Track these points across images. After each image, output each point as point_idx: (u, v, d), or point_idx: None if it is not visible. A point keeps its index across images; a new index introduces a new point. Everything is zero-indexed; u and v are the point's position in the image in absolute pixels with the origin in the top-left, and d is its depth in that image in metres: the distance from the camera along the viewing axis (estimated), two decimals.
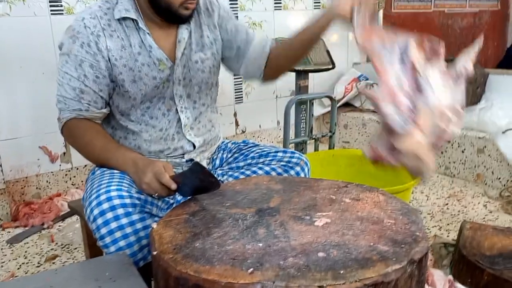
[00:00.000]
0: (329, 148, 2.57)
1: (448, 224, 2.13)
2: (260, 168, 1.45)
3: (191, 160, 1.43)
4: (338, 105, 3.43)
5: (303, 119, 2.52)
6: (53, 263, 1.94)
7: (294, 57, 1.47)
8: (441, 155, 2.83)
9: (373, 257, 0.80)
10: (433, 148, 1.03)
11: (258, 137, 3.38)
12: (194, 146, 1.43)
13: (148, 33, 1.30)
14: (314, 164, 1.82)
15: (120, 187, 1.14)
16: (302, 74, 2.44)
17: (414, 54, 1.06)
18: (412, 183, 1.94)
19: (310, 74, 2.59)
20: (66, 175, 2.61)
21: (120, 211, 1.11)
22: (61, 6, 2.43)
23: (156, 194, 1.16)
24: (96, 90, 1.28)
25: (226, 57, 1.49)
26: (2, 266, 1.93)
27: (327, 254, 0.82)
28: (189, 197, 1.15)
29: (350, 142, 3.42)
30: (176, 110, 1.38)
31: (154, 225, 0.98)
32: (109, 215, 1.11)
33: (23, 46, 2.35)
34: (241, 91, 3.20)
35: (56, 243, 2.11)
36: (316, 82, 3.40)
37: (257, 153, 1.50)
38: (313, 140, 2.57)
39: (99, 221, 1.11)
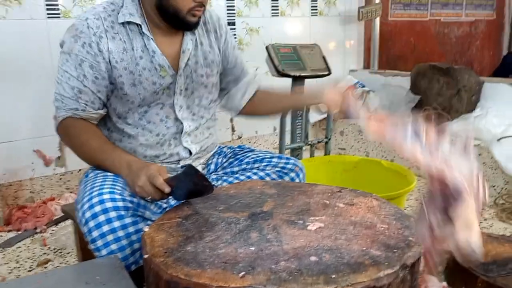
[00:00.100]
0: (325, 154, 2.57)
1: None
2: (255, 174, 1.45)
3: (186, 166, 1.42)
4: (334, 111, 3.43)
5: (299, 125, 2.51)
6: (45, 267, 1.92)
7: (270, 112, 1.62)
8: None
9: (365, 261, 0.80)
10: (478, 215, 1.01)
11: (254, 143, 3.38)
12: (190, 153, 1.43)
13: (152, 39, 1.30)
14: (310, 170, 1.82)
15: (113, 190, 1.14)
16: (298, 80, 2.44)
17: (430, 132, 1.07)
18: (406, 190, 1.94)
19: (306, 80, 2.59)
20: (60, 179, 2.59)
21: (113, 214, 1.10)
22: (58, 9, 2.43)
23: (150, 198, 1.15)
24: (94, 91, 1.27)
25: None
26: None
27: (320, 258, 0.81)
28: (182, 201, 1.15)
29: (346, 148, 3.42)
30: (175, 118, 1.38)
31: (146, 229, 0.97)
32: (101, 218, 1.10)
33: (20, 50, 2.35)
34: None
35: (49, 248, 2.09)
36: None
37: (252, 158, 1.50)
38: (309, 146, 2.57)
39: (91, 224, 1.10)
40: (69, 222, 2.23)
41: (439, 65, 3.07)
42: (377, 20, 3.73)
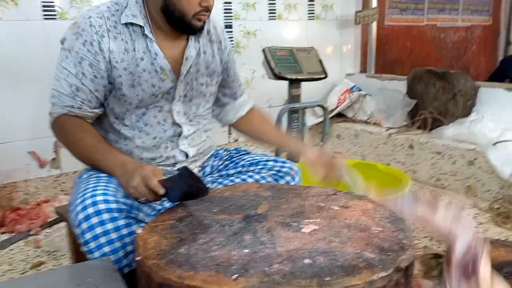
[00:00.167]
0: None
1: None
2: (250, 176, 1.44)
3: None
4: (331, 115, 3.43)
5: (295, 128, 2.51)
6: (39, 270, 1.91)
7: (254, 137, 1.68)
8: (431, 166, 2.84)
9: (359, 264, 0.79)
10: None
11: (251, 146, 3.37)
12: (187, 156, 1.42)
13: (154, 41, 1.30)
14: (306, 173, 1.82)
15: (106, 191, 1.13)
16: (294, 83, 2.45)
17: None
18: (401, 193, 1.94)
19: (303, 84, 2.59)
20: (55, 181, 2.58)
21: (106, 216, 1.09)
22: (55, 11, 2.43)
23: (143, 199, 1.14)
24: (92, 90, 1.26)
25: None
26: None
27: (313, 261, 0.81)
28: (176, 203, 1.14)
29: (342, 152, 3.42)
30: (173, 122, 1.38)
31: (139, 230, 0.96)
32: (94, 220, 1.09)
33: (15, 51, 2.34)
34: None
35: (43, 250, 2.07)
36: (309, 92, 3.40)
37: (248, 161, 1.50)
38: None
39: (84, 225, 1.09)
40: (63, 224, 2.21)
41: (435, 70, 3.08)
42: (374, 25, 3.74)
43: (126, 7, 1.29)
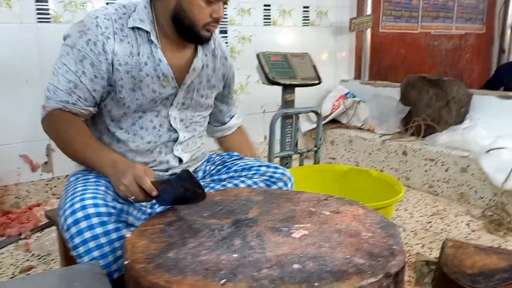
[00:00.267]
0: (314, 163, 2.57)
1: (430, 242, 2.13)
2: (242, 182, 1.44)
3: (175, 174, 1.41)
4: (325, 121, 3.44)
5: (288, 133, 2.51)
6: (28, 274, 1.89)
7: (227, 151, 1.69)
8: (425, 173, 2.84)
9: (348, 269, 0.79)
10: None
11: None
12: (180, 161, 1.42)
13: (159, 47, 1.30)
14: (299, 178, 1.82)
15: (95, 195, 1.12)
16: (288, 89, 2.45)
17: None
18: (394, 200, 1.94)
19: (297, 90, 2.59)
20: (46, 184, 2.56)
21: (95, 220, 1.08)
22: (49, 14, 2.42)
23: (133, 198, 1.12)
24: (90, 89, 1.25)
25: None
26: None
27: (303, 266, 0.80)
28: (167, 207, 1.13)
29: (336, 158, 3.42)
30: (168, 127, 1.38)
31: (128, 234, 0.95)
32: (83, 224, 1.08)
33: (8, 54, 2.33)
34: None
35: (33, 254, 2.05)
36: (303, 98, 3.40)
37: (240, 166, 1.49)
38: (299, 155, 2.57)
39: (73, 230, 1.08)
40: (53, 228, 2.19)
41: (428, 77, 3.10)
42: (368, 32, 3.76)
43: (134, 11, 1.30)
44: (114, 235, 1.10)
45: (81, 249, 1.08)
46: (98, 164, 1.21)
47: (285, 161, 2.53)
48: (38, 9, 2.39)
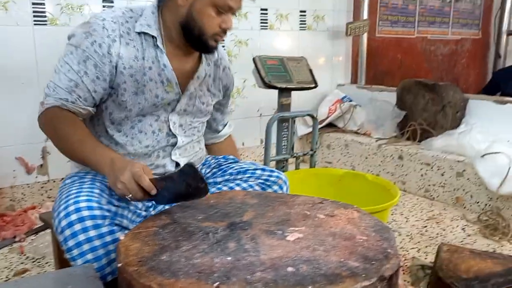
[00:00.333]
0: (310, 166, 2.57)
1: (426, 247, 2.13)
2: (238, 185, 1.44)
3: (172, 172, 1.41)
4: (321, 125, 3.44)
5: (284, 137, 2.52)
6: (22, 277, 1.87)
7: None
8: (420, 177, 2.85)
9: (342, 273, 0.79)
10: None
11: (241, 154, 3.37)
12: (177, 165, 1.42)
13: (164, 53, 1.31)
14: (294, 182, 1.82)
15: (90, 197, 1.11)
16: (284, 92, 2.45)
17: None
18: (389, 204, 1.94)
19: (294, 93, 2.60)
20: (42, 187, 2.55)
21: (89, 223, 1.08)
22: (45, 16, 2.42)
23: (130, 196, 1.10)
24: (90, 89, 1.25)
25: None
26: None
27: (296, 269, 0.80)
28: (163, 209, 1.13)
29: (332, 162, 3.42)
30: (167, 132, 1.38)
31: (122, 237, 0.95)
32: (77, 226, 1.07)
33: (4, 56, 2.32)
34: None
35: (27, 257, 2.04)
36: (300, 102, 3.41)
37: (236, 169, 1.50)
38: (295, 159, 2.57)
39: (67, 232, 1.07)
40: (48, 230, 2.18)
41: (424, 81, 3.11)
42: (365, 36, 3.77)
43: (141, 15, 1.30)
44: (108, 238, 1.10)
45: (75, 252, 1.08)
46: (95, 162, 1.19)
47: (281, 165, 2.53)
48: (34, 12, 2.38)
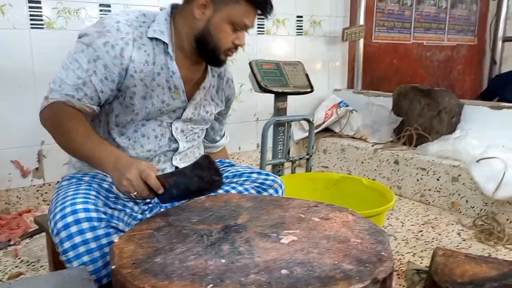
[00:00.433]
0: (306, 171, 2.57)
1: (422, 251, 2.13)
2: (233, 188, 1.44)
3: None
4: (318, 130, 3.45)
5: (281, 141, 2.52)
6: (16, 280, 1.86)
7: None
8: (416, 182, 2.85)
9: (336, 275, 0.79)
10: None
11: (237, 159, 3.37)
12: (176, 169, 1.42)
13: (174, 60, 1.32)
14: (290, 186, 1.82)
15: (86, 199, 1.11)
16: (280, 96, 2.46)
17: None
18: (385, 208, 1.94)
19: (291, 98, 2.61)
20: (37, 190, 2.54)
21: (85, 225, 1.08)
22: (42, 20, 2.42)
23: (135, 194, 1.09)
24: (97, 89, 1.24)
25: None
26: None
27: (290, 271, 0.80)
28: (159, 211, 1.13)
29: (329, 167, 3.43)
30: (170, 137, 1.38)
31: (116, 239, 0.95)
32: (74, 228, 1.07)
33: (1, 59, 2.31)
34: None
35: (22, 261, 2.03)
36: (297, 106, 3.42)
37: (232, 173, 1.50)
38: (290, 163, 2.57)
39: (63, 234, 1.07)
40: (43, 234, 2.17)
41: (420, 87, 3.12)
42: (361, 42, 3.79)
43: (153, 21, 1.31)
44: (104, 240, 1.10)
45: (71, 254, 1.08)
46: (99, 159, 1.16)
47: (277, 169, 2.53)
48: (31, 15, 2.39)
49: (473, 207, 2.57)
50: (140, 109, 1.29)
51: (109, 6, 2.60)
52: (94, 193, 1.17)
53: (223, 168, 1.53)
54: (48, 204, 2.50)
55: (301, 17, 3.53)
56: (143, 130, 1.34)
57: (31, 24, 2.39)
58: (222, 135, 1.72)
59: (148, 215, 1.31)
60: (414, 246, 2.19)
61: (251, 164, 3.43)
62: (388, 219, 2.54)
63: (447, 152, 2.75)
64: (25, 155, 2.46)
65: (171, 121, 1.37)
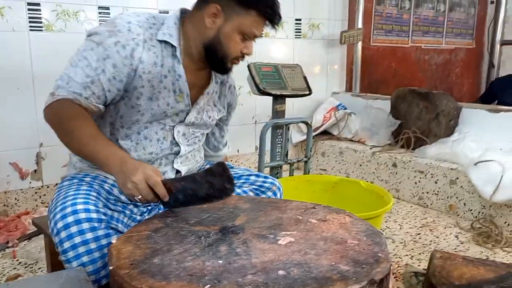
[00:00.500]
0: (305, 173, 2.58)
1: (420, 254, 2.13)
2: None
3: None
4: (316, 133, 3.46)
5: (279, 143, 2.52)
6: (14, 282, 1.86)
7: None
8: (414, 185, 2.86)
9: (333, 276, 0.79)
10: None
11: (236, 161, 3.37)
12: (177, 173, 1.43)
13: (182, 63, 1.32)
14: (288, 188, 1.82)
15: (87, 200, 1.12)
16: (278, 99, 2.46)
17: None
18: (382, 210, 1.94)
19: (289, 101, 2.61)
20: (36, 193, 2.54)
21: (86, 225, 1.08)
22: (41, 22, 2.43)
23: (140, 197, 1.08)
24: (105, 88, 1.24)
25: None
26: None
27: (288, 272, 0.81)
28: (158, 212, 1.13)
29: (327, 169, 3.43)
30: (172, 140, 1.39)
31: (114, 240, 0.95)
32: (74, 228, 1.07)
33: (0, 61, 2.33)
34: None
35: (20, 262, 2.03)
36: (295, 109, 3.43)
37: None
38: (289, 165, 2.57)
39: (63, 234, 1.07)
40: (41, 236, 2.17)
41: (418, 90, 3.13)
42: (360, 45, 3.80)
43: (163, 24, 1.32)
44: (104, 241, 1.10)
45: (71, 254, 1.08)
46: (104, 159, 1.15)
47: (275, 171, 2.53)
48: (30, 18, 2.39)
49: (471, 210, 2.58)
50: (145, 110, 1.30)
51: (108, 8, 2.61)
52: (95, 194, 1.17)
53: None
54: (46, 206, 2.51)
55: (300, 20, 3.55)
56: (146, 133, 1.34)
57: (30, 27, 2.40)
58: (224, 144, 1.71)
59: (147, 217, 1.32)
60: (412, 249, 2.19)
61: (250, 167, 3.43)
62: (386, 221, 2.54)
63: (445, 155, 2.75)
64: (24, 157, 2.46)
65: (173, 124, 1.38)
